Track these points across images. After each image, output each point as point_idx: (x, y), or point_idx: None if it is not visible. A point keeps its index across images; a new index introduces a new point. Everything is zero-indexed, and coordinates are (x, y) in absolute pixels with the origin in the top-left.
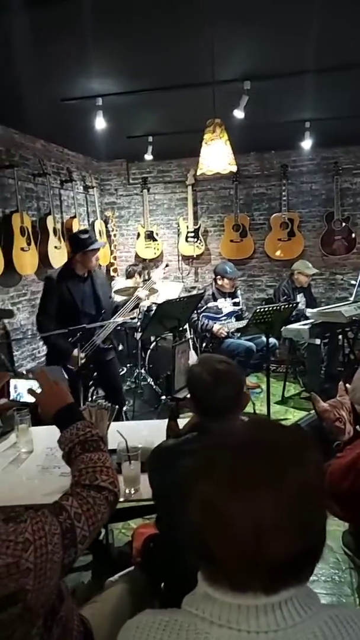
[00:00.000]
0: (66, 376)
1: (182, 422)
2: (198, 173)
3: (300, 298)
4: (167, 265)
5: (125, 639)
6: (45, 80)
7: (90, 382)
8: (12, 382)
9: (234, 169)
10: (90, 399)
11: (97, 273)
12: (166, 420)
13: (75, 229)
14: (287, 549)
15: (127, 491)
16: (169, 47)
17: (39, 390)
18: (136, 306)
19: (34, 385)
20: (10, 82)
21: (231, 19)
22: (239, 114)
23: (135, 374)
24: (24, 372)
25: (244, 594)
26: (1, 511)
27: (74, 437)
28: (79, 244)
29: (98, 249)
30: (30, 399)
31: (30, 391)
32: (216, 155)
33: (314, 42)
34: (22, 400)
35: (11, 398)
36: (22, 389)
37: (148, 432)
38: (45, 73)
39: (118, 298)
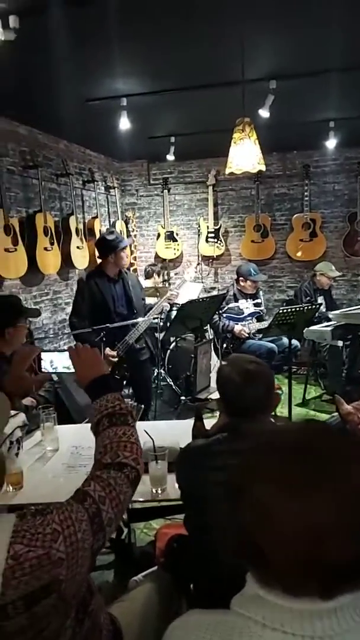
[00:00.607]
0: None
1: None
2: (227, 172)
3: (320, 300)
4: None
5: (173, 638)
6: (72, 81)
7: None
8: (49, 356)
9: (263, 168)
10: None
11: (129, 274)
12: (187, 421)
13: (97, 229)
14: (345, 553)
15: (153, 491)
16: (196, 46)
17: None
18: (170, 300)
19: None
20: (38, 84)
21: (259, 17)
22: (264, 113)
23: (155, 374)
24: (65, 349)
25: (298, 598)
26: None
27: (102, 409)
28: (110, 246)
29: (127, 246)
30: (66, 370)
31: (70, 350)
32: (245, 154)
33: (339, 40)
34: (58, 372)
35: (46, 371)
36: (58, 364)
37: (171, 432)
38: (72, 74)
39: (151, 302)
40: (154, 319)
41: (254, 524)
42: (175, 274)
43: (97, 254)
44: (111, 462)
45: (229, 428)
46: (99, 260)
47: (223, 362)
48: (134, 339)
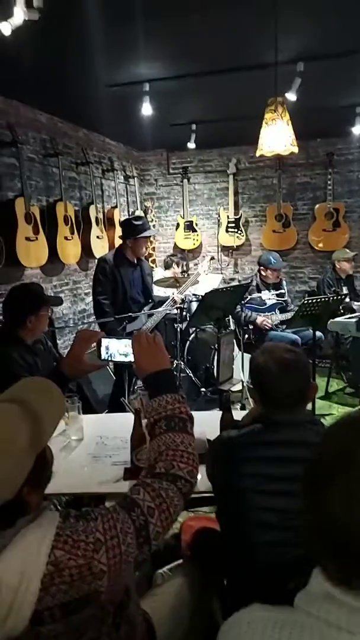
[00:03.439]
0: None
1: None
2: (257, 154)
3: (345, 291)
4: (212, 259)
5: (234, 634)
6: (94, 66)
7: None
8: (104, 342)
9: (296, 150)
10: (132, 388)
11: (144, 263)
12: (211, 412)
13: (117, 219)
14: None
15: None
16: (225, 28)
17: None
18: (174, 302)
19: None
20: (57, 70)
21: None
22: (291, 96)
23: (174, 366)
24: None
25: None
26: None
27: (161, 410)
28: (132, 230)
29: (149, 237)
30: (124, 359)
31: (135, 337)
32: (277, 135)
33: None
34: (114, 360)
35: (102, 358)
36: (114, 350)
37: (196, 423)
38: (94, 58)
39: (157, 289)
40: (175, 308)
41: (347, 518)
42: (195, 264)
43: (118, 233)
44: (165, 471)
45: (264, 419)
46: (118, 242)
47: (257, 351)
48: (150, 328)
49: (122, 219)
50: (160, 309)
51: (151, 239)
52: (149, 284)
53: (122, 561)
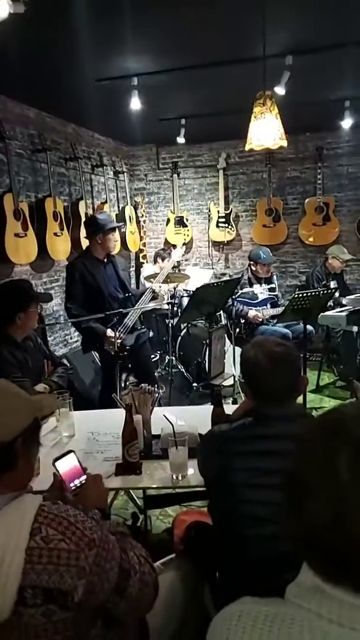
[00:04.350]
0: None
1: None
2: (246, 148)
3: (333, 285)
4: (184, 244)
5: (223, 628)
6: (81, 60)
7: (130, 365)
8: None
9: (285, 143)
10: (123, 384)
11: (117, 258)
12: (203, 406)
13: None
14: None
15: (174, 477)
16: (213, 21)
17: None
18: (154, 297)
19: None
20: (46, 63)
21: None
22: (280, 90)
23: (166, 361)
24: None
25: None
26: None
27: None
28: (98, 226)
29: (116, 229)
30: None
31: (93, 477)
32: (266, 128)
33: (357, 11)
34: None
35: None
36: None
37: (188, 418)
38: (81, 51)
39: (148, 285)
40: (166, 304)
41: (332, 521)
42: (185, 260)
43: (83, 234)
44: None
45: (255, 413)
46: (85, 243)
47: (248, 345)
48: (133, 321)
49: (113, 214)
50: (139, 302)
51: (141, 234)
52: (125, 279)
53: (102, 580)
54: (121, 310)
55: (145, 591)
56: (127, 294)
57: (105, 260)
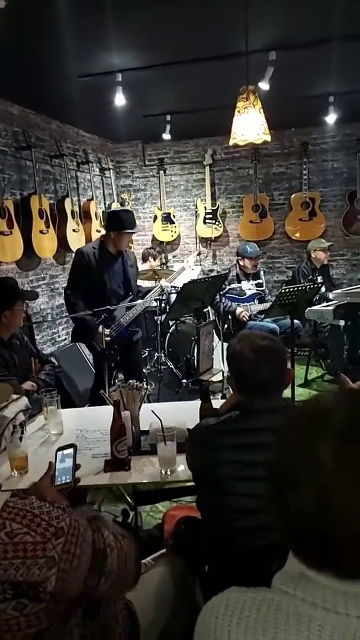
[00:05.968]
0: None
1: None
2: (230, 143)
3: (320, 280)
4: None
5: (211, 617)
6: (64, 56)
7: (113, 364)
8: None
9: (268, 138)
10: (112, 381)
11: (128, 254)
12: (192, 402)
13: (92, 211)
14: None
15: (163, 472)
16: (195, 16)
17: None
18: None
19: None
20: (29, 59)
21: None
22: (264, 85)
23: (155, 358)
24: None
25: (353, 582)
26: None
27: None
28: (118, 224)
29: (132, 234)
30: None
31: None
32: (250, 123)
33: (341, 6)
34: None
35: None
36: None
37: (177, 414)
38: (64, 47)
39: (148, 283)
40: (154, 300)
41: (318, 510)
42: (173, 256)
43: (95, 227)
44: None
45: (241, 406)
46: (95, 236)
47: (234, 339)
48: (128, 322)
49: (99, 211)
50: (140, 301)
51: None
52: (132, 275)
53: (73, 568)
54: (108, 307)
55: (127, 564)
56: (128, 293)
57: (117, 254)
